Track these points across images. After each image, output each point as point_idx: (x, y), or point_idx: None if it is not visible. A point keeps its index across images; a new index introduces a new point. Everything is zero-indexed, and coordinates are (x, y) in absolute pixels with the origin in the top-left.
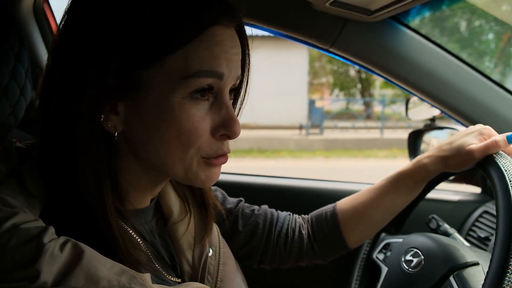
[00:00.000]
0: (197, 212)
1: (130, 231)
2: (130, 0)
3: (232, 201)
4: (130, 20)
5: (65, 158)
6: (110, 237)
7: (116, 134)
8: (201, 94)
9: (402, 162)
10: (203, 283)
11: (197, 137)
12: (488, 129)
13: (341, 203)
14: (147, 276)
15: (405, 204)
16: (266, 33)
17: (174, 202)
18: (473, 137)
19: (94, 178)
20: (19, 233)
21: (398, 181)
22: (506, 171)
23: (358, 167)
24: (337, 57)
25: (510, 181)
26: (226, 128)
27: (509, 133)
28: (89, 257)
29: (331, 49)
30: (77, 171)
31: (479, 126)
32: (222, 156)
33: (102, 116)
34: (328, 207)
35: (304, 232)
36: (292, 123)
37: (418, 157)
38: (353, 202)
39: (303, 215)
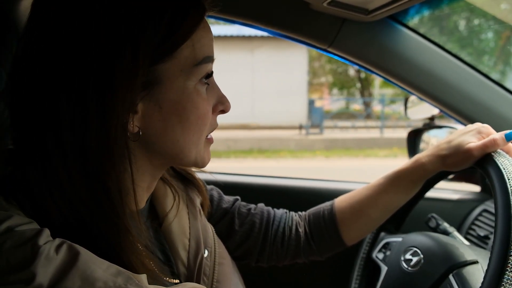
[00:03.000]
0: (191, 213)
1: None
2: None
3: (228, 200)
4: (144, 18)
5: (72, 164)
6: (126, 241)
7: (140, 132)
8: (206, 78)
9: (402, 161)
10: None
11: (208, 118)
12: (487, 127)
13: (339, 201)
14: (143, 277)
15: (403, 202)
16: (265, 34)
17: (168, 195)
18: (472, 135)
19: (117, 183)
20: (14, 235)
21: (396, 180)
22: (504, 169)
23: (358, 167)
24: (335, 57)
25: (509, 179)
26: (222, 104)
27: (507, 131)
28: (85, 259)
29: (329, 49)
30: (102, 177)
31: (478, 125)
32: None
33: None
34: (326, 204)
35: (301, 230)
36: (292, 123)
37: (417, 156)
38: (350, 200)
39: (299, 212)
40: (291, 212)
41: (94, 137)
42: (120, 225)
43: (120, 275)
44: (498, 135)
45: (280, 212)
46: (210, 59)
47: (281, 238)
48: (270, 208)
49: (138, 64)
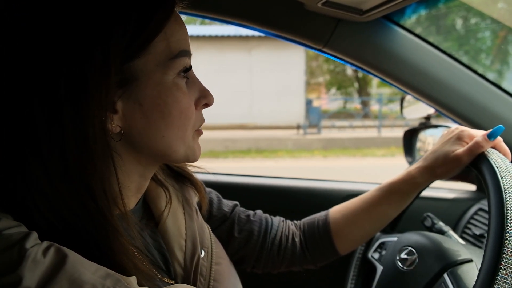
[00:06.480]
0: (188, 213)
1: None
2: None
3: (227, 204)
4: (112, 17)
5: (58, 165)
6: (115, 242)
7: (122, 132)
8: (184, 72)
9: (400, 160)
10: (195, 285)
11: (192, 112)
12: (465, 130)
13: (333, 212)
14: (133, 279)
15: (396, 213)
16: (262, 34)
17: (161, 196)
18: (453, 143)
19: (101, 184)
20: (1, 239)
21: (389, 192)
22: (497, 168)
23: (356, 166)
24: (330, 57)
25: (502, 178)
26: (205, 97)
27: (488, 131)
28: (73, 262)
29: (324, 49)
30: (85, 179)
31: (455, 131)
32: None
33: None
34: (321, 215)
35: (297, 239)
36: (290, 123)
37: (408, 168)
38: (345, 211)
39: (295, 221)
40: (287, 221)
41: (72, 139)
42: (108, 227)
43: (109, 278)
44: (481, 138)
45: (277, 220)
46: (186, 53)
47: (277, 247)
48: (268, 215)
49: (109, 64)
